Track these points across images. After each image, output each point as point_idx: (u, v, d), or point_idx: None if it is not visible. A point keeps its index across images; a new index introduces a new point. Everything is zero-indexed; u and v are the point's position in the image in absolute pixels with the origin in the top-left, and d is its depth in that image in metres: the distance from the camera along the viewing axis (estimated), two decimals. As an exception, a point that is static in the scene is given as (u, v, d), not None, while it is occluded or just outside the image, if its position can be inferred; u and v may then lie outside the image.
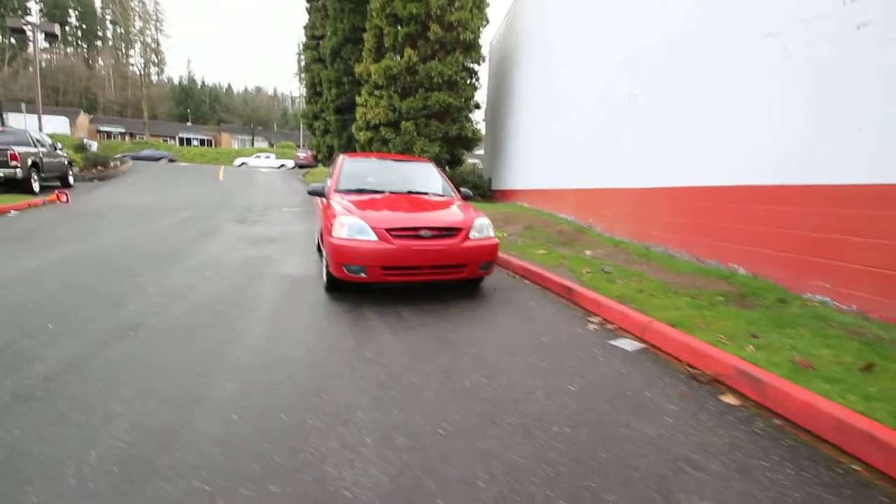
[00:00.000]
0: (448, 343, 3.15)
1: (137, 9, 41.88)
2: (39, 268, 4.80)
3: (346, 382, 2.50)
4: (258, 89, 64.36)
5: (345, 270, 3.87)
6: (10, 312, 3.37)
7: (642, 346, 3.18)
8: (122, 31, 43.13)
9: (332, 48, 16.74)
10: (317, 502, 1.58)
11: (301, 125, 36.26)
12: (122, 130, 41.86)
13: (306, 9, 20.49)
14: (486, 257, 4.20)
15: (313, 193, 5.06)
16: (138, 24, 42.87)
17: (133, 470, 1.71)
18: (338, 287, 4.27)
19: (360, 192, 4.86)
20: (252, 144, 44.53)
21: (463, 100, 13.93)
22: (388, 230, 3.90)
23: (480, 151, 16.52)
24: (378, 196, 4.75)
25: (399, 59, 13.62)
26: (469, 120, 14.33)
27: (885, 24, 3.43)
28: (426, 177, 5.45)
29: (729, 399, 2.43)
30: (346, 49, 16.56)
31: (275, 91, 68.18)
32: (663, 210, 6.18)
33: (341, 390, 2.41)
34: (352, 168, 5.27)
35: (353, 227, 3.92)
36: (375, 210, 4.21)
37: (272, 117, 58.27)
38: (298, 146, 39.14)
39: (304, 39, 22.15)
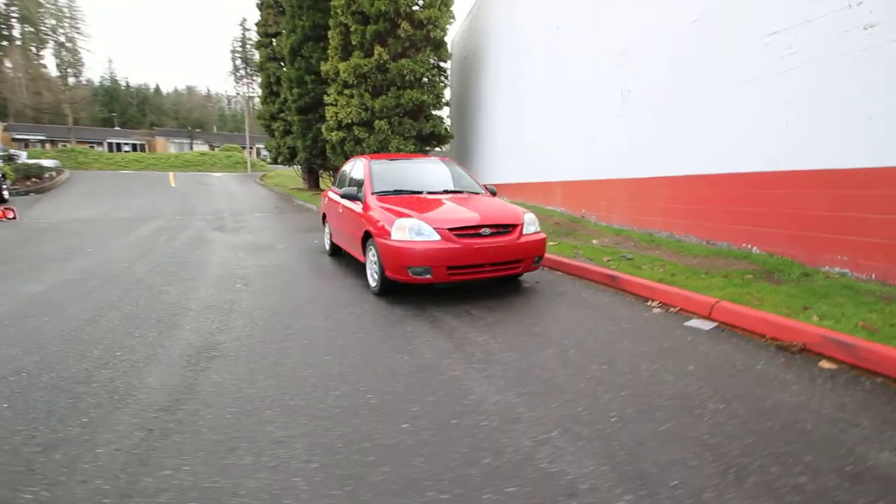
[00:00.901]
0: (542, 336, 3.23)
1: (49, 5, 38.03)
2: (48, 291, 4.36)
3: (480, 383, 2.51)
4: (190, 89, 60.58)
5: (409, 273, 3.84)
6: (60, 342, 3.06)
7: (714, 324, 3.42)
8: (32, 29, 39.00)
9: (292, 46, 16.14)
10: (556, 493, 1.61)
11: (247, 126, 34.65)
12: (43, 138, 37.94)
13: (257, 5, 19.52)
14: (539, 252, 4.32)
15: (346, 197, 4.93)
16: (50, 21, 38.98)
17: None
18: (388, 290, 4.22)
19: (398, 193, 4.80)
20: (191, 148, 41.91)
21: (434, 97, 13.95)
22: (450, 230, 3.90)
23: (438, 148, 16.61)
24: (419, 197, 4.72)
25: (369, 57, 13.40)
26: (441, 117, 14.36)
27: (889, 24, 3.87)
28: (455, 175, 5.46)
29: (827, 364, 2.69)
30: (308, 47, 16.03)
31: (208, 91, 64.43)
32: (664, 198, 6.57)
33: (484, 390, 2.42)
34: (380, 170, 5.19)
35: (415, 229, 3.89)
36: (428, 211, 4.19)
37: (209, 118, 55.12)
38: (244, 148, 37.41)
39: (255, 37, 21.08)
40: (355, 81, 13.49)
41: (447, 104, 14.92)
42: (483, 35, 14.27)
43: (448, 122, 15.15)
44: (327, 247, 6.54)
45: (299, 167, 20.15)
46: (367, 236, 4.46)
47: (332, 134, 13.94)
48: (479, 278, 4.07)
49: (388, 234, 3.98)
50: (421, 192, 4.87)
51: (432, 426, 2.07)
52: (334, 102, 13.99)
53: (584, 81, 8.38)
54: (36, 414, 2.16)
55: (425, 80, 13.65)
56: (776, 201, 4.94)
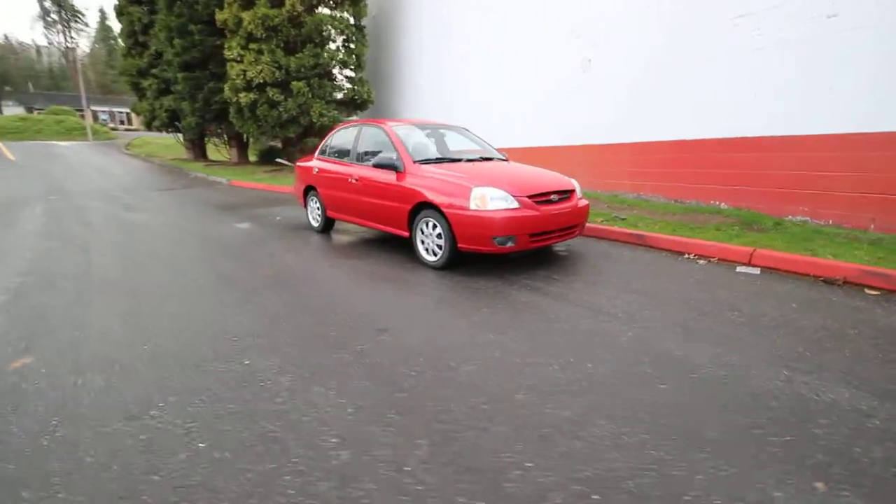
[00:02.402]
0: (640, 293, 3.47)
1: None
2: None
3: (652, 333, 2.66)
4: (-22, 35, 46.96)
5: (494, 242, 3.75)
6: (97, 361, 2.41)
7: (758, 269, 4.03)
8: None
9: (169, -13, 13.54)
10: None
11: (81, 85, 28.47)
12: None
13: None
14: (587, 216, 4.53)
15: (380, 166, 4.52)
16: None
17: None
18: (453, 263, 4.08)
19: (440, 161, 4.57)
20: (1, 112, 32.96)
21: (355, 58, 13.06)
22: (529, 197, 3.88)
23: (354, 115, 15.80)
24: (464, 164, 4.55)
25: (278, 7, 11.89)
26: (363, 81, 13.55)
27: (847, 14, 4.76)
28: (477, 142, 5.35)
29: (871, 291, 3.40)
30: (191, -11, 13.62)
31: (6, 38, 50.56)
32: (631, 162, 7.27)
33: (658, 337, 2.58)
34: (408, 136, 4.84)
35: (497, 198, 3.78)
36: (493, 178, 4.08)
37: (18, 74, 43.82)
38: (79, 111, 30.97)
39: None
40: (263, 35, 11.97)
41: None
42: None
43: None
44: (315, 222, 5.95)
45: (180, 135, 17.37)
46: (420, 208, 4.19)
47: (241, 95, 12.29)
48: (547, 244, 4.15)
49: (465, 204, 3.81)
50: (460, 160, 4.69)
51: (667, 376, 2.18)
52: (239, 58, 12.28)
53: (537, 50, 8.63)
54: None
55: (349, 36, 12.67)
56: (743, 163, 5.83)
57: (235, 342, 2.64)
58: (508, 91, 9.49)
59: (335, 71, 13.49)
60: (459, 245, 3.90)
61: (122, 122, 44.82)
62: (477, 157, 4.87)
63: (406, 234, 4.45)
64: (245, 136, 16.92)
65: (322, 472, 1.59)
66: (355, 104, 13.82)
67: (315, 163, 5.86)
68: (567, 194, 4.24)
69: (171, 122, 15.90)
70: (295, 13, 11.93)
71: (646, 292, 3.50)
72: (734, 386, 2.16)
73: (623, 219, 5.98)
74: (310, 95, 12.33)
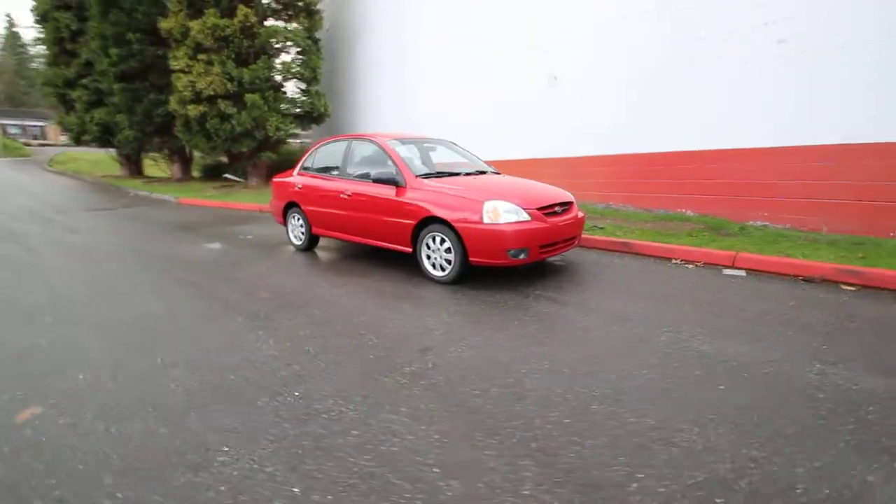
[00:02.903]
0: (650, 296, 3.63)
1: None
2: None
3: (689, 334, 2.79)
4: None
5: (508, 255, 3.78)
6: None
7: (743, 272, 4.35)
8: None
9: (104, -8, 12.59)
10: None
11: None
12: None
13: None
14: (583, 227, 4.69)
15: (379, 181, 4.42)
16: None
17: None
18: (463, 278, 4.06)
19: (440, 175, 4.55)
20: None
21: (311, 71, 12.78)
22: (538, 209, 3.96)
23: (307, 130, 15.35)
24: (464, 178, 4.56)
25: (230, 17, 11.40)
26: (320, 94, 13.27)
27: (797, 40, 5.33)
28: (468, 156, 5.39)
29: (848, 287, 3.78)
30: (128, -5, 12.75)
31: None
32: (600, 175, 7.63)
33: (690, 337, 2.71)
34: (406, 152, 4.79)
35: (510, 211, 3.82)
36: (499, 192, 4.12)
37: None
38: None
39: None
40: (214, 45, 11.44)
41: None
42: (358, 4, 13.49)
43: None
44: (298, 240, 5.70)
45: (113, 150, 16.06)
46: (426, 223, 4.14)
47: (189, 108, 11.60)
48: (553, 255, 4.24)
49: (477, 218, 3.81)
50: (459, 173, 4.70)
51: (719, 377, 2.30)
52: (186, 69, 11.61)
53: (502, 66, 8.89)
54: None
55: (305, 48, 12.36)
56: (708, 174, 6.31)
57: (270, 372, 2.45)
58: (474, 104, 9.67)
59: (290, 84, 13.13)
60: (471, 259, 3.90)
61: (34, 137, 40.65)
62: (473, 170, 4.91)
63: (409, 249, 4.38)
64: (188, 150, 15.99)
65: (439, 506, 1.51)
66: (311, 118, 13.48)
67: (297, 178, 5.63)
68: (567, 206, 4.38)
69: (104, 137, 14.64)
70: (248, 24, 11.49)
71: (655, 297, 3.67)
72: (780, 381, 2.31)
73: (601, 227, 6.24)
74: (265, 108, 11.86)
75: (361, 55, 13.57)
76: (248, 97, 11.62)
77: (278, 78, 12.78)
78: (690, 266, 4.62)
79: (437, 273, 4.16)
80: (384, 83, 12.73)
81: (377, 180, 4.44)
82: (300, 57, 12.62)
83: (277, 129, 12.14)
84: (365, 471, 1.67)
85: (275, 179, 6.14)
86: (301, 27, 12.37)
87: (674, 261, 4.82)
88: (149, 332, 3.01)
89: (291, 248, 5.84)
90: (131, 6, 12.53)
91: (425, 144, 5.43)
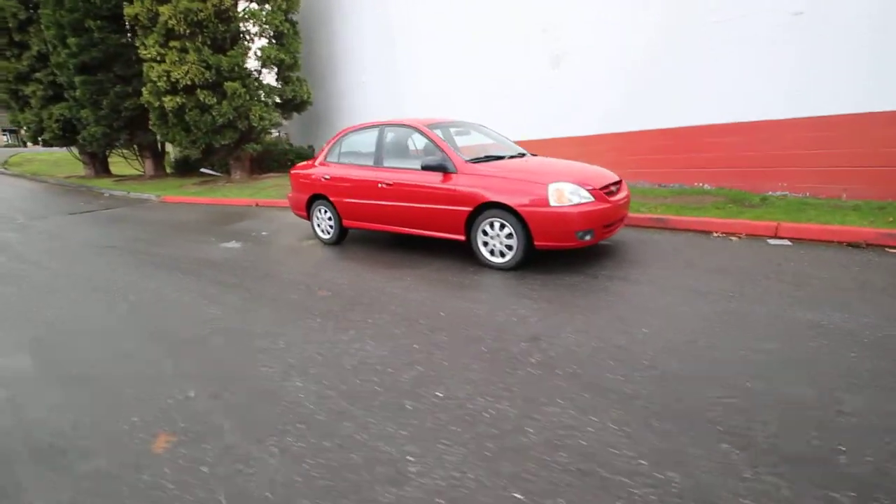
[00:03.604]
0: (710, 271, 3.69)
1: None
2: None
3: (776, 304, 2.85)
4: None
5: (577, 237, 3.75)
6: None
7: (787, 241, 4.47)
8: None
9: (56, -25, 11.53)
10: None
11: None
12: None
13: None
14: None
15: (428, 168, 4.27)
16: None
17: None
18: (525, 262, 4.00)
19: (488, 159, 4.44)
20: None
21: (291, 56, 12.21)
22: (600, 189, 3.92)
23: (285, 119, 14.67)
24: (511, 161, 4.47)
25: (203, 1, 10.68)
26: (301, 80, 12.72)
27: (811, 13, 5.45)
28: (500, 138, 5.28)
29: (893, 250, 3.95)
30: (86, -21, 11.74)
31: None
32: (614, 150, 7.67)
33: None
34: (446, 136, 4.62)
35: (575, 192, 3.77)
36: (557, 173, 4.05)
37: None
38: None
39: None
40: (187, 31, 10.73)
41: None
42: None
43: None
44: (326, 234, 5.48)
45: (74, 148, 14.98)
46: (481, 209, 4.04)
47: (165, 99, 10.88)
48: (611, 234, 4.22)
49: (542, 201, 3.74)
50: (503, 157, 4.60)
51: (840, 345, 2.35)
52: (159, 58, 10.86)
53: (508, 44, 8.73)
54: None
55: (284, 32, 11.78)
56: (723, 147, 6.44)
57: (395, 374, 2.34)
58: (474, 85, 9.49)
59: (266, 71, 12.52)
60: (536, 243, 3.84)
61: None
62: (515, 153, 4.82)
63: (462, 237, 4.27)
64: (160, 145, 15.10)
65: (679, 499, 1.47)
66: (292, 105, 12.96)
67: (323, 169, 5.38)
68: (618, 184, 4.36)
69: (66, 134, 13.58)
70: (222, 7, 10.82)
71: (720, 270, 3.73)
72: (893, 344, 2.38)
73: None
74: (247, 97, 11.29)
75: (340, 38, 13.05)
76: (229, 85, 11.01)
77: (256, 64, 12.18)
78: (734, 238, 4.72)
79: (497, 259, 4.08)
80: (370, 66, 12.32)
81: (426, 167, 4.28)
82: (276, 42, 12.02)
83: (262, 118, 11.60)
84: (572, 468, 1.61)
85: (294, 171, 5.86)
86: (278, 9, 11.74)
87: (714, 234, 4.91)
88: (235, 343, 2.81)
89: (315, 241, 5.62)
90: (89, -10, 11.54)
91: (452, 129, 5.27)
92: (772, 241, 4.49)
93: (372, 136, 5.04)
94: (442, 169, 4.25)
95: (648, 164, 7.27)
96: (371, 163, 4.93)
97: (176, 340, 2.87)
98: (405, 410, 2.01)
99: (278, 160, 14.72)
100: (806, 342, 2.46)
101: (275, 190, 10.88)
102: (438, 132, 4.59)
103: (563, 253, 4.33)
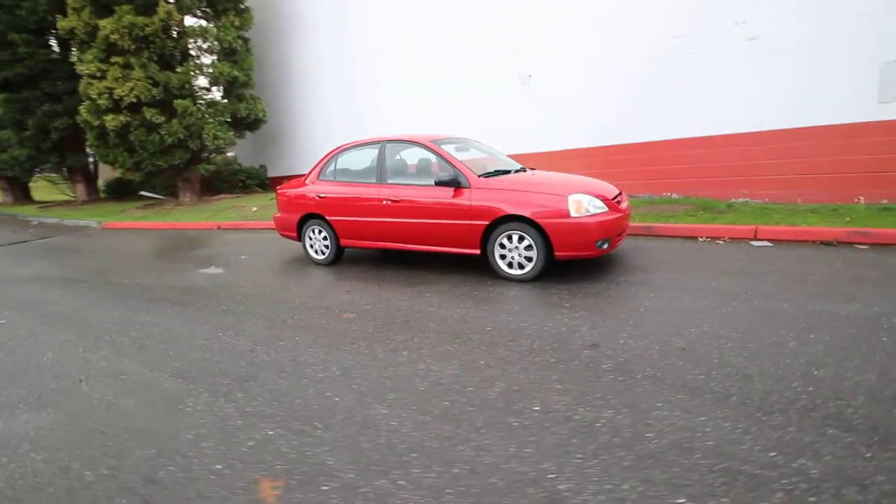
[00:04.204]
0: (718, 273, 3.95)
1: None
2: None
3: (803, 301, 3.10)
4: None
5: (597, 246, 3.87)
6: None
7: (767, 243, 4.88)
8: None
9: (-32, -17, 10.38)
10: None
11: None
12: None
13: None
14: (627, 213, 4.93)
15: (442, 183, 4.24)
16: None
17: None
18: (544, 273, 4.07)
19: (497, 173, 4.49)
20: None
21: (245, 73, 11.77)
22: (611, 199, 4.09)
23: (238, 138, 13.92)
24: (515, 175, 4.56)
25: (149, 15, 10.06)
26: (255, 98, 12.27)
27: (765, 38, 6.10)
28: (496, 153, 5.35)
29: (861, 246, 4.43)
30: (6, -11, 10.68)
31: None
32: (580, 165, 8.03)
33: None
34: (458, 153, 4.64)
35: (593, 203, 3.90)
36: (568, 185, 4.18)
37: None
38: None
39: None
40: (132, 46, 10.05)
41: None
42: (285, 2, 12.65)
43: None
44: (321, 255, 5.26)
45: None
46: (499, 222, 4.06)
47: (107, 118, 10.05)
48: (620, 243, 4.39)
49: (563, 212, 3.83)
50: (509, 171, 4.67)
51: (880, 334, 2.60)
52: (99, 74, 10.05)
53: (476, 63, 8.96)
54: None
55: (237, 49, 11.33)
56: (688, 159, 6.96)
57: (480, 392, 2.26)
58: (443, 104, 9.60)
59: (216, 89, 11.95)
60: (557, 254, 3.91)
61: None
62: (517, 167, 4.91)
63: (477, 251, 4.27)
64: (92, 168, 13.86)
65: (827, 483, 1.53)
66: (246, 124, 12.44)
67: (316, 188, 5.19)
68: (620, 196, 4.57)
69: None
70: (171, 22, 10.25)
71: (727, 272, 3.99)
72: (917, 328, 2.66)
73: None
74: (199, 115, 10.69)
75: (297, 56, 12.76)
76: (179, 103, 10.38)
77: (204, 82, 11.60)
78: (720, 242, 5.08)
79: (516, 272, 4.10)
80: (329, 85, 12.13)
81: (440, 183, 4.26)
82: (229, 59, 11.54)
83: (216, 137, 11.02)
84: (716, 468, 1.63)
85: (282, 191, 5.60)
86: (231, 25, 11.28)
87: (700, 239, 5.26)
88: (287, 376, 2.60)
89: (305, 263, 5.39)
90: (13, 2, 10.51)
91: (452, 144, 5.29)
92: (754, 244, 4.89)
93: (371, 152, 4.94)
94: (455, 184, 4.25)
95: (617, 177, 7.64)
96: (373, 180, 4.82)
97: (218, 379, 2.60)
98: (514, 428, 1.95)
99: (228, 181, 14.02)
100: (840, 331, 2.68)
101: (235, 212, 10.32)
102: (447, 148, 4.59)
103: (573, 263, 4.44)
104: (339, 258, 5.32)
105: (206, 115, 10.94)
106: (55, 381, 2.68)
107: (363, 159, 5.01)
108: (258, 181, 14.18)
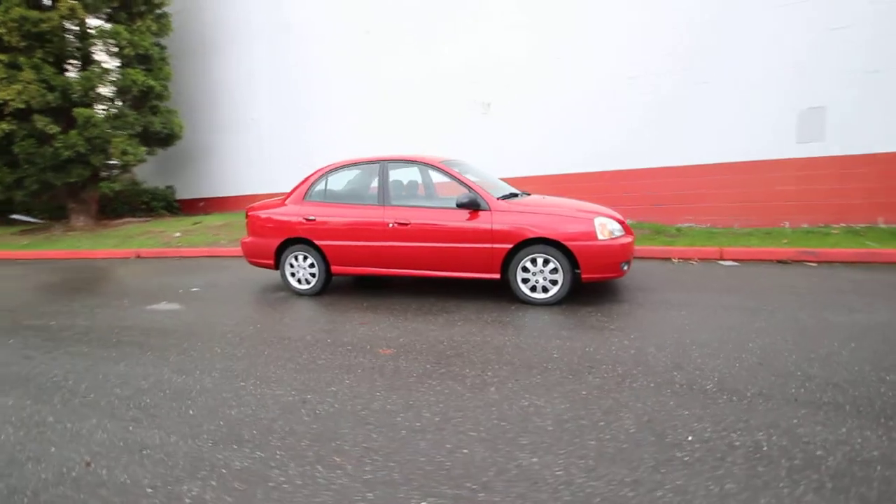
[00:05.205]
0: (719, 290, 4.26)
1: None
2: None
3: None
4: None
5: (621, 268, 3.94)
6: None
7: (733, 262, 5.40)
8: None
9: None
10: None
11: None
12: None
13: None
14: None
15: (463, 206, 4.05)
16: None
17: None
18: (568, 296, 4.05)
19: (511, 196, 4.42)
20: None
21: (162, 84, 10.56)
22: (624, 222, 4.22)
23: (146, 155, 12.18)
24: (533, 198, 4.54)
25: (48, 10, 8.58)
26: (171, 111, 11.02)
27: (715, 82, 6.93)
28: (489, 176, 5.28)
29: (810, 264, 5.09)
30: None
31: None
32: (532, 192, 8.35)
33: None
34: (472, 176, 4.46)
35: (615, 227, 3.99)
36: (583, 208, 4.24)
37: None
38: None
39: None
40: (22, 43, 8.50)
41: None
42: (208, 13, 11.69)
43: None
44: (305, 284, 4.72)
45: None
46: (521, 245, 3.96)
47: (-15, 125, 8.24)
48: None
49: (591, 235, 3.85)
50: (517, 194, 4.62)
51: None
52: (-27, 72, 8.26)
53: (431, 91, 8.96)
54: None
55: (153, 56, 10.12)
56: (635, 188, 7.56)
57: (606, 426, 2.08)
58: (395, 131, 9.41)
59: (122, 101, 10.52)
60: (584, 276, 3.91)
61: None
62: (517, 191, 4.89)
63: (496, 275, 4.12)
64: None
65: None
66: (158, 139, 11.09)
67: (301, 209, 4.66)
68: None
69: None
70: (75, 20, 8.84)
71: (729, 290, 4.29)
72: (922, 333, 3.06)
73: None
74: (105, 127, 9.24)
75: (219, 68, 11.77)
76: (80, 112, 8.92)
77: (104, 91, 10.13)
78: (694, 262, 5.52)
79: (539, 295, 4.01)
80: (260, 101, 11.32)
81: (461, 205, 4.06)
82: (143, 66, 10.26)
83: (125, 153, 9.61)
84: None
85: (255, 214, 4.95)
86: (147, 30, 10.06)
87: (674, 260, 5.68)
88: (378, 427, 2.16)
89: (278, 292, 4.80)
90: None
91: (459, 166, 5.13)
92: (723, 263, 5.38)
93: (370, 172, 4.60)
94: (475, 206, 4.08)
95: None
96: (374, 201, 4.46)
97: (289, 440, 2.07)
98: (691, 464, 1.78)
99: (129, 203, 12.28)
100: (863, 338, 2.97)
101: (150, 238, 9.00)
102: (462, 168, 4.44)
103: (580, 286, 4.48)
104: (327, 287, 4.79)
105: (114, 128, 9.48)
106: (48, 470, 1.93)
107: (360, 180, 4.65)
108: (164, 203, 12.61)
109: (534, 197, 4.65)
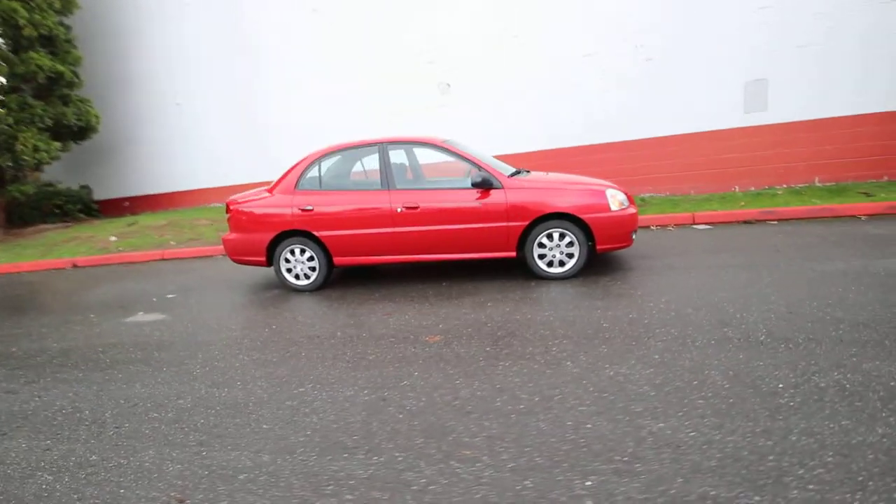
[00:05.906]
0: (712, 251, 4.60)
1: None
2: None
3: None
4: None
5: (631, 237, 4.10)
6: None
7: (706, 226, 5.82)
8: None
9: None
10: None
11: None
12: None
13: None
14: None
15: (477, 185, 3.97)
16: None
17: None
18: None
19: (518, 173, 4.40)
20: None
21: (71, 70, 9.28)
22: (628, 193, 4.37)
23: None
24: (538, 174, 4.56)
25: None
26: (85, 101, 9.75)
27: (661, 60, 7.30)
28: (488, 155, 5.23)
29: (773, 223, 5.62)
30: None
31: None
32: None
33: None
34: (481, 154, 4.39)
35: (623, 198, 4.12)
36: (590, 181, 4.33)
37: None
38: None
39: None
40: None
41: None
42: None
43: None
44: (305, 279, 4.44)
45: None
46: (537, 221, 3.98)
47: None
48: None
49: (605, 207, 3.95)
50: (520, 173, 4.61)
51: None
52: None
53: (384, 73, 8.65)
54: None
55: (58, 37, 8.84)
56: (600, 162, 7.88)
57: (706, 381, 2.18)
58: (354, 113, 9.01)
59: (24, 88, 9.10)
60: (599, 247, 4.01)
61: None
62: (525, 170, 4.89)
63: (513, 253, 4.12)
64: None
65: None
66: (72, 133, 9.80)
67: (294, 199, 4.33)
68: (618, 191, 4.93)
69: None
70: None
71: (719, 251, 4.61)
72: (898, 274, 3.49)
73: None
74: (12, 121, 7.97)
75: (140, 49, 10.53)
76: (-24, 104, 7.58)
77: (2, 79, 8.75)
78: (671, 228, 5.88)
79: (557, 270, 4.07)
80: (196, 85, 10.31)
81: (475, 184, 3.98)
82: (47, 49, 8.91)
83: (35, 149, 8.37)
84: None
85: (237, 207, 4.52)
86: (49, 8, 8.70)
87: (652, 227, 6.01)
88: (495, 413, 2.08)
89: (270, 289, 4.50)
90: None
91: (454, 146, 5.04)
92: (698, 227, 5.79)
93: (369, 156, 4.36)
94: (488, 185, 4.02)
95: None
96: (377, 186, 4.24)
97: (403, 440, 1.94)
98: (811, 413, 1.92)
99: (40, 208, 10.79)
100: (859, 283, 3.33)
101: (81, 244, 8.02)
102: (462, 147, 4.32)
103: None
104: (328, 281, 4.53)
105: (19, 122, 8.19)
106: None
107: (358, 164, 4.39)
108: (81, 206, 11.23)
109: (536, 174, 4.67)
